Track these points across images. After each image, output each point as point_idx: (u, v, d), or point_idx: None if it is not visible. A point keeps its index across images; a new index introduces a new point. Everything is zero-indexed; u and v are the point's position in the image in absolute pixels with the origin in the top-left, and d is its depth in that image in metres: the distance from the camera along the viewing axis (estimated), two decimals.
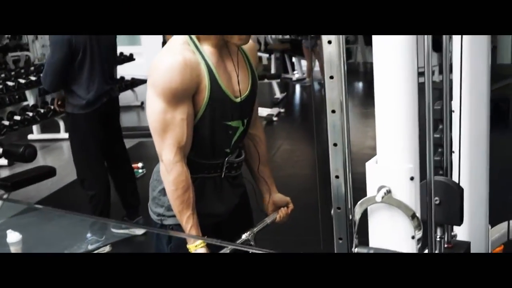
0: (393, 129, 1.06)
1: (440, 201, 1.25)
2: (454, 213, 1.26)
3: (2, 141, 3.96)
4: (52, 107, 5.78)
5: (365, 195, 1.12)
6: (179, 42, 1.59)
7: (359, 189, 1.18)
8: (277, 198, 1.87)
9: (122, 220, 3.63)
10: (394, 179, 1.07)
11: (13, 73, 6.10)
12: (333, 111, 1.10)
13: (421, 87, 1.08)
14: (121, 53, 6.75)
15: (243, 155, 1.79)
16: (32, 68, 6.53)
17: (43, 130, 6.52)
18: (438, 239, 1.30)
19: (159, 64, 1.56)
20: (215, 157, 1.68)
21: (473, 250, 1.45)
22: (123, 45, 8.91)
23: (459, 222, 1.29)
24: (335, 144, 1.12)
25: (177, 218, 1.62)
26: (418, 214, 1.09)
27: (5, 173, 4.56)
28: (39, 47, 10.69)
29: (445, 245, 1.35)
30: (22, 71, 6.26)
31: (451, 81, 1.40)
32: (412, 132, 1.06)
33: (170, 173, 1.57)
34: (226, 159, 1.69)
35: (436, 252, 1.30)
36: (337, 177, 1.13)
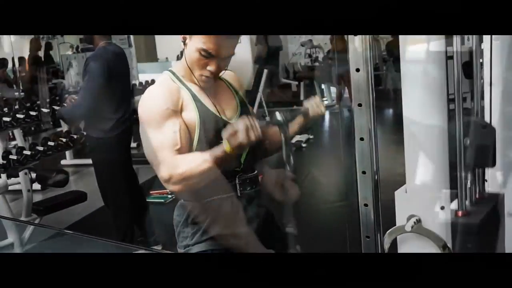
0: (422, 158, 1.05)
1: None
2: (486, 154, 1.16)
3: (36, 166, 4.04)
4: (85, 133, 5.90)
5: (394, 222, 1.10)
6: (162, 78, 1.69)
7: (388, 216, 1.15)
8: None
9: (138, 240, 3.71)
10: (424, 208, 1.05)
11: (48, 100, 6.25)
12: (362, 139, 1.10)
13: (451, 114, 1.07)
14: (153, 80, 6.90)
15: (256, 170, 1.78)
16: (66, 95, 6.68)
17: (76, 156, 6.65)
18: (468, 186, 1.19)
19: (142, 98, 1.65)
20: (227, 177, 1.68)
21: (507, 203, 1.36)
22: (156, 73, 9.10)
23: (492, 163, 1.20)
24: (363, 172, 1.10)
25: (200, 168, 1.55)
26: (449, 245, 1.06)
27: (38, 197, 4.64)
28: (74, 74, 10.98)
29: (476, 196, 1.26)
30: (57, 98, 6.41)
31: (482, 107, 1.37)
32: (442, 161, 1.04)
33: (176, 162, 1.54)
34: (237, 176, 1.69)
35: (467, 202, 1.19)
36: (365, 205, 1.12)
